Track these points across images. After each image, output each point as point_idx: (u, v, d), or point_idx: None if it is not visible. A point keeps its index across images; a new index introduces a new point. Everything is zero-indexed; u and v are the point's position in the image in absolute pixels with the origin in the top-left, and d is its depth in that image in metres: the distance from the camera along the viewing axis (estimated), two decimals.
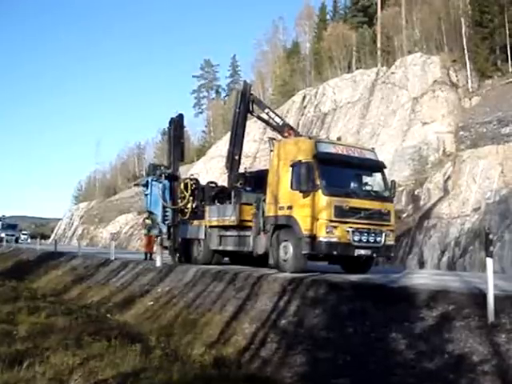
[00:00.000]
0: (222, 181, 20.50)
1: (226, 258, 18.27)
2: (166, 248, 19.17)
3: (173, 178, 19.28)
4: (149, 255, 21.25)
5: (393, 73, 35.67)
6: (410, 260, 21.68)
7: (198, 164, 53.84)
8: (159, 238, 19.20)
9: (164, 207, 19.26)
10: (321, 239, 12.31)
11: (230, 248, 16.49)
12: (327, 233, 12.29)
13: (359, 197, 13.05)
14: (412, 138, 29.83)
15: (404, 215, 24.22)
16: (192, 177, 20.17)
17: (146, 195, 20.73)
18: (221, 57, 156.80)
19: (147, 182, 20.49)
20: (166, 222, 19.17)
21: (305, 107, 43.04)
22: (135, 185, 38.66)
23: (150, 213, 20.56)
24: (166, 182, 19.30)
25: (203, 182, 19.68)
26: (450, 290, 8.96)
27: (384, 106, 34.03)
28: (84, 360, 8.36)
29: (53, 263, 26.26)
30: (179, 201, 18.79)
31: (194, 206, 18.41)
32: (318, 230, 12.33)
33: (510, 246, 18.60)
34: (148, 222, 21.17)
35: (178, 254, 18.91)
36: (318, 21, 57.68)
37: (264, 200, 14.40)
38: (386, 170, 14.44)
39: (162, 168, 20.13)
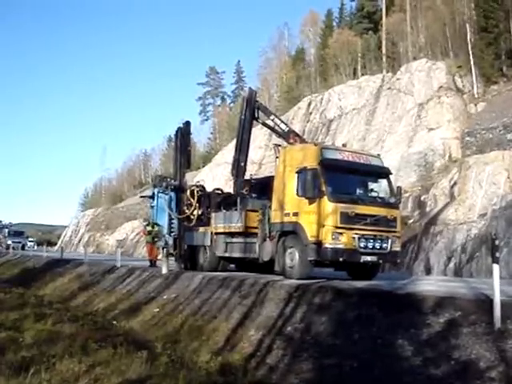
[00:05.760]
0: (228, 187, 20.50)
1: (232, 265, 18.26)
2: (171, 255, 19.14)
3: (179, 189, 19.28)
4: (153, 262, 21.17)
5: (398, 79, 35.64)
6: (416, 266, 21.56)
7: (204, 171, 53.90)
8: (165, 249, 19.16)
9: (170, 219, 19.27)
10: (327, 246, 12.30)
11: (235, 255, 16.45)
12: (333, 239, 12.27)
13: (365, 203, 13.01)
14: (418, 143, 29.77)
15: (410, 221, 24.13)
16: (198, 184, 20.18)
17: (152, 207, 20.80)
18: (226, 64, 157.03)
19: (153, 194, 20.55)
20: (172, 234, 19.17)
21: (310, 114, 43.07)
22: (141, 197, 38.87)
23: (156, 224, 20.61)
24: (173, 194, 19.31)
25: (209, 188, 19.67)
26: (457, 296, 8.91)
27: (389, 112, 34.00)
28: (90, 367, 8.39)
29: (59, 270, 26.33)
30: (185, 208, 18.80)
31: (199, 212, 18.36)
32: (323, 237, 12.32)
33: None
34: (149, 228, 21.19)
35: (183, 261, 18.91)
36: (324, 27, 57.99)
37: (270, 206, 14.38)
38: (391, 176, 14.43)
39: (169, 180, 20.17)
